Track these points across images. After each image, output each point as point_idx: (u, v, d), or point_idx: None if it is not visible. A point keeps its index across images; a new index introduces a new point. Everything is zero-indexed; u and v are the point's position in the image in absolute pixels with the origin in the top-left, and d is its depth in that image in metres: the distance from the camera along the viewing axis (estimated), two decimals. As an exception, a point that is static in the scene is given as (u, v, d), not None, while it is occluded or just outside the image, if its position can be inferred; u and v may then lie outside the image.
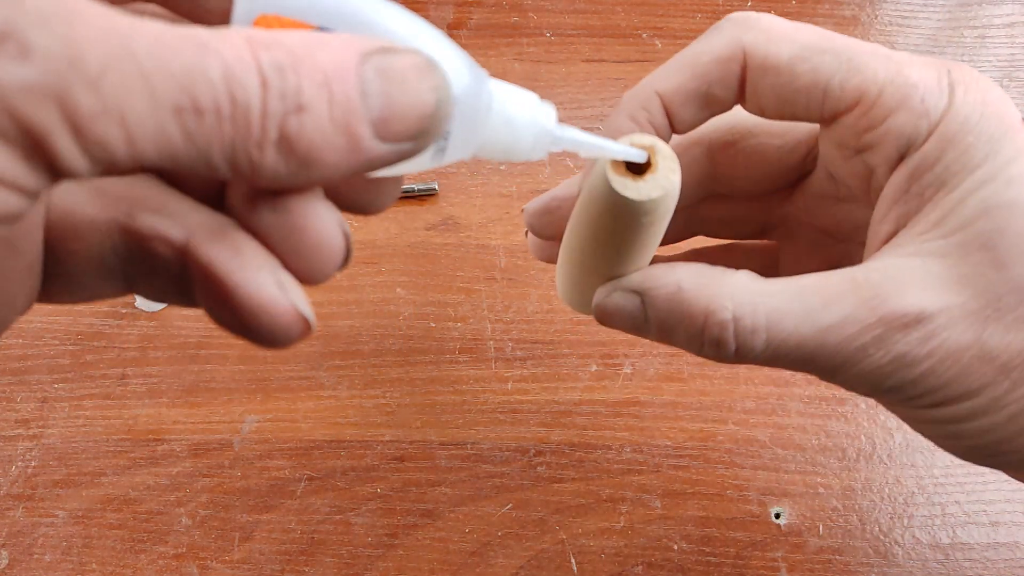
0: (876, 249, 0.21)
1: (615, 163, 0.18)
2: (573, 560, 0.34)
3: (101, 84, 0.12)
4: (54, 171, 0.12)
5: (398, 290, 0.41)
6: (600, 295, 0.21)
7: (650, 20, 0.51)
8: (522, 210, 0.25)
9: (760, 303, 0.19)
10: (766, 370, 0.38)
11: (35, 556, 0.34)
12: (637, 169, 0.18)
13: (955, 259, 0.19)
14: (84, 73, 0.12)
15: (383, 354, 0.39)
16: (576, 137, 0.18)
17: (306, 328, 0.15)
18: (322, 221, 0.15)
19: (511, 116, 0.16)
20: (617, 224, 0.19)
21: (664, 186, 0.18)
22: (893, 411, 0.22)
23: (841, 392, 0.37)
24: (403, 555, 0.34)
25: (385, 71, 0.14)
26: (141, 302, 0.41)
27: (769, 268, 0.28)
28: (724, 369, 0.38)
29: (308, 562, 0.34)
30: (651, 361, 0.39)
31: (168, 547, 0.34)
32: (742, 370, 0.38)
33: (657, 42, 0.51)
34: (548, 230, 0.25)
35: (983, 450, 0.21)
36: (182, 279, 0.15)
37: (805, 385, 0.38)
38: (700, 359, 0.38)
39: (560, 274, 0.24)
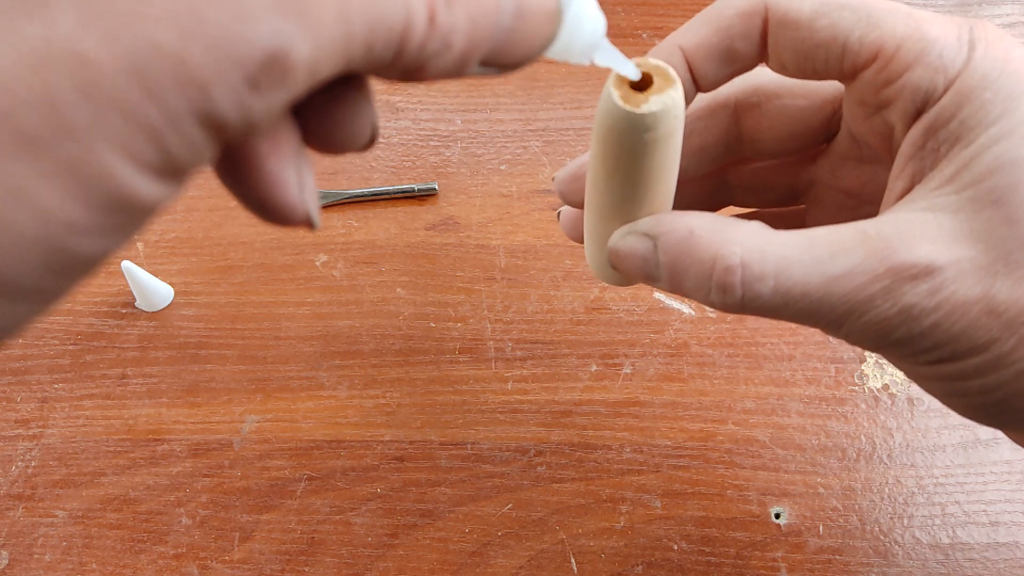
0: (891, 205, 0.21)
1: (619, 81, 0.19)
2: (573, 560, 0.34)
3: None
4: None
5: (398, 290, 0.41)
6: (615, 238, 0.22)
7: (650, 20, 0.51)
8: (552, 178, 0.26)
9: (769, 250, 0.19)
10: (766, 370, 0.38)
11: (35, 556, 0.34)
12: (642, 89, 0.19)
13: (967, 214, 0.19)
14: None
15: (383, 354, 0.39)
16: (605, 46, 0.18)
17: (308, 227, 0.16)
18: (360, 115, 0.16)
19: (580, 24, 0.17)
20: (622, 145, 0.19)
21: (664, 101, 0.18)
22: (899, 367, 0.22)
23: (841, 392, 0.37)
24: (403, 555, 0.34)
25: (522, 13, 0.14)
26: (141, 302, 0.41)
27: None
28: (724, 369, 0.38)
29: (308, 562, 0.34)
30: (651, 361, 0.39)
31: (168, 547, 0.34)
32: (742, 370, 0.38)
33: (657, 42, 0.51)
34: (578, 195, 0.25)
35: (989, 409, 0.21)
36: None
37: (805, 385, 0.38)
38: (700, 360, 0.38)
39: (586, 239, 0.24)
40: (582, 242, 0.25)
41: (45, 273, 0.12)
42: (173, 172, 0.12)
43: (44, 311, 0.13)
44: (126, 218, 0.12)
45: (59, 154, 0.11)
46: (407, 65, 0.14)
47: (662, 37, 0.51)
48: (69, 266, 0.12)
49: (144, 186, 0.12)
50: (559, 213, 0.27)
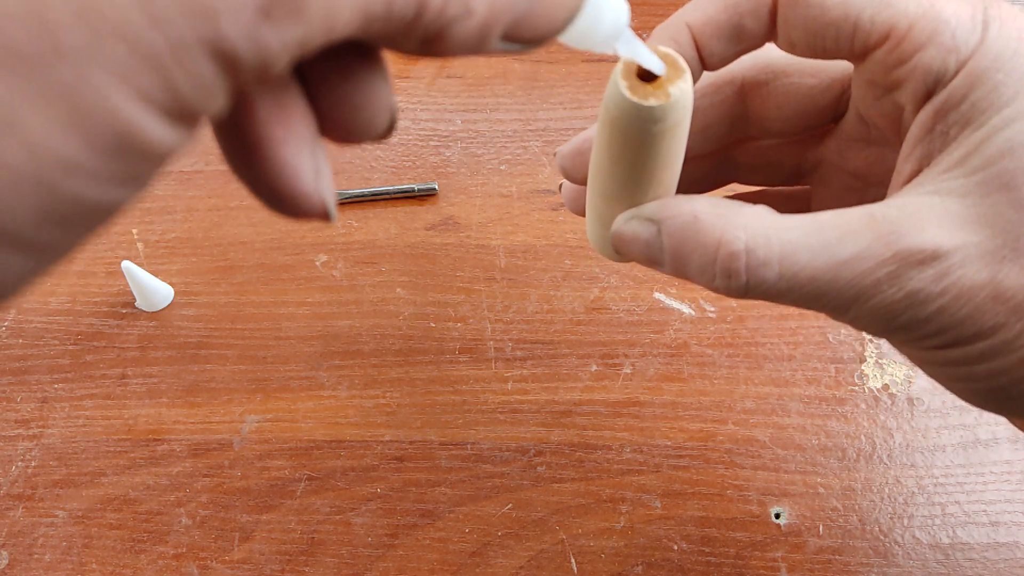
0: (899, 188, 0.20)
1: (627, 71, 0.18)
2: (573, 560, 0.34)
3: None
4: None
5: (398, 290, 0.41)
6: (618, 222, 0.21)
7: (650, 20, 0.51)
8: (554, 154, 0.25)
9: (774, 235, 0.19)
10: (766, 370, 0.38)
11: (35, 556, 0.34)
12: (650, 80, 0.19)
13: (975, 198, 0.18)
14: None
15: (383, 354, 0.39)
16: (628, 35, 0.18)
17: (324, 219, 0.15)
18: (377, 97, 0.15)
19: (602, 7, 0.16)
20: (628, 135, 0.19)
21: (672, 93, 0.18)
22: (905, 352, 0.22)
23: (841, 392, 0.37)
24: (403, 555, 0.34)
25: None
26: (141, 302, 0.41)
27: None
28: (724, 369, 0.38)
29: (308, 562, 0.34)
30: (651, 361, 0.39)
31: (168, 547, 0.34)
32: (742, 370, 0.38)
33: (657, 42, 0.51)
34: (580, 171, 0.24)
35: (993, 394, 0.21)
36: None
37: (805, 385, 0.38)
38: (700, 360, 0.38)
39: (587, 215, 0.24)
40: (583, 214, 0.25)
41: (42, 219, 0.11)
42: (182, 113, 0.11)
43: (47, 267, 0.12)
44: (131, 162, 0.11)
45: (51, 77, 0.10)
46: (426, 30, 0.13)
47: (662, 37, 0.51)
48: (70, 214, 0.11)
49: (150, 126, 0.11)
50: (560, 185, 0.27)
